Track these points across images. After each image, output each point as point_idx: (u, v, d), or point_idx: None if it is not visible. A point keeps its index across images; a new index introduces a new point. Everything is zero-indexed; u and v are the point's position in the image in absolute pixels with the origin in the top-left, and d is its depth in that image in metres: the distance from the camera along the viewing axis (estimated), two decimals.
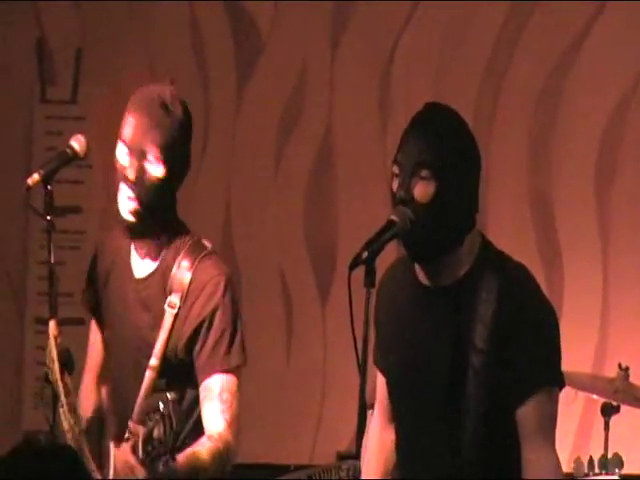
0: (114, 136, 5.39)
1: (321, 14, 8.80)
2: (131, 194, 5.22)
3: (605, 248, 8.55)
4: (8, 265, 8.31)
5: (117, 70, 8.41)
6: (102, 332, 5.64)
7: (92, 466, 5.26)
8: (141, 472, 4.92)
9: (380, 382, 5.10)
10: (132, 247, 5.46)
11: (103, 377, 5.70)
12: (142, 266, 5.44)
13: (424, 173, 4.71)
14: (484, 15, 8.76)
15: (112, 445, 5.25)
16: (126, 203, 5.19)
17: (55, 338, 5.33)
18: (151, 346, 5.30)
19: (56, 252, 5.36)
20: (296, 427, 7.68)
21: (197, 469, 5.14)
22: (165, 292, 5.33)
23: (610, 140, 8.65)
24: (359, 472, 4.69)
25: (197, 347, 5.26)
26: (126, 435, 5.24)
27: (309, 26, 8.88)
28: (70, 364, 5.30)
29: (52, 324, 5.29)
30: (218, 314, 5.28)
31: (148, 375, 5.25)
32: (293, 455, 7.38)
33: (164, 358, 5.27)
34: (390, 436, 5.09)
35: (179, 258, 5.37)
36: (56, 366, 5.31)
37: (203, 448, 5.17)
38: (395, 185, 4.74)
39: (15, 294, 8.33)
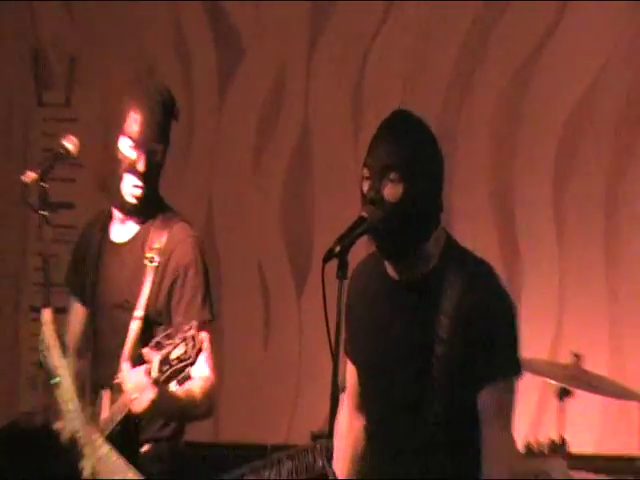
0: (105, 137, 5.88)
1: (300, 15, 8.86)
2: (138, 182, 5.68)
3: (561, 245, 8.67)
4: (6, 257, 8.49)
5: (106, 75, 8.40)
6: (84, 304, 6.12)
7: (96, 436, 5.69)
8: (152, 392, 5.39)
9: (349, 371, 5.40)
10: (113, 221, 5.90)
11: (79, 350, 6.17)
12: (123, 234, 5.90)
13: (393, 175, 4.99)
14: (453, 17, 8.80)
15: (103, 391, 5.72)
16: (131, 189, 5.65)
17: (48, 325, 5.79)
18: (135, 299, 5.75)
19: (50, 245, 5.89)
20: (273, 409, 7.74)
21: (192, 400, 5.63)
22: (143, 249, 5.80)
23: (569, 142, 8.71)
24: (331, 451, 4.82)
25: (174, 302, 5.71)
26: (116, 379, 5.56)
27: (288, 27, 8.93)
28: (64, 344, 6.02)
29: (46, 312, 5.76)
30: (191, 271, 5.78)
31: (135, 325, 5.69)
32: (270, 435, 7.44)
33: (147, 308, 5.71)
34: (358, 422, 5.40)
35: (156, 223, 5.87)
36: (53, 351, 5.79)
37: (196, 386, 5.65)
38: (365, 186, 5.02)
39: (12, 284, 8.47)
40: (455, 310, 5.08)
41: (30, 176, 5.86)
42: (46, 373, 5.91)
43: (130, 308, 5.84)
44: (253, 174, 8.73)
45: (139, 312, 5.80)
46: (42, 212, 5.89)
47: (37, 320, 6.15)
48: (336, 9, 8.82)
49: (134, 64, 8.76)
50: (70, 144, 5.99)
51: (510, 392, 5.03)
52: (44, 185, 5.88)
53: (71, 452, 5.96)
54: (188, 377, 5.62)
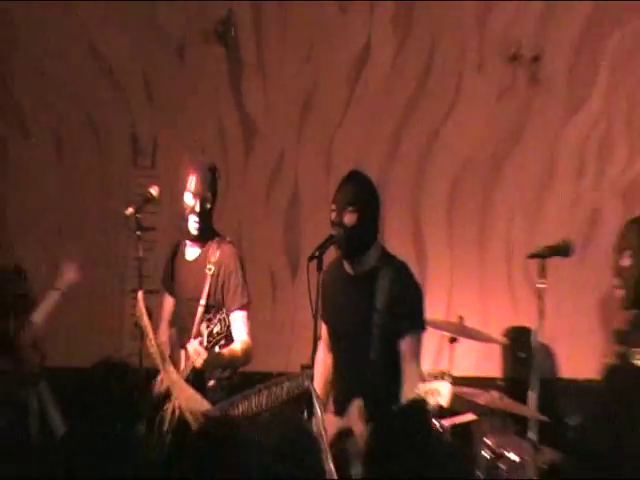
0: (175, 188, 6.93)
1: (291, 116, 9.28)
2: (197, 219, 6.70)
3: (451, 245, 9.40)
4: (117, 260, 8.86)
5: (178, 152, 8.23)
6: (173, 296, 7.10)
7: (171, 368, 6.69)
8: (205, 354, 6.40)
9: (324, 328, 6.43)
10: (186, 246, 6.90)
11: (170, 322, 7.15)
12: (191, 254, 6.91)
13: (350, 209, 6.14)
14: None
15: (182, 350, 6.70)
16: (194, 224, 6.70)
17: (141, 302, 6.85)
18: (199, 295, 6.72)
19: (142, 252, 7.02)
20: (277, 349, 8.09)
21: (234, 356, 6.63)
22: (205, 263, 6.73)
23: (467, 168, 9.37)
24: (312, 376, 6.04)
25: (225, 294, 6.73)
26: (188, 344, 6.54)
27: (284, 124, 9.38)
28: (150, 316, 6.79)
29: (140, 294, 6.89)
30: (233, 275, 6.73)
31: (200, 310, 6.68)
32: (275, 366, 7.80)
33: (207, 300, 6.71)
34: (329, 358, 6.59)
35: (212, 245, 6.80)
36: (145, 318, 6.77)
37: (237, 346, 6.66)
38: (333, 215, 6.16)
39: (119, 276, 8.97)
40: (386, 292, 6.20)
41: (130, 211, 6.99)
42: (139, 330, 6.86)
43: (197, 300, 6.77)
44: (266, 208, 9.24)
45: (202, 302, 6.73)
46: (137, 232, 6.98)
47: (134, 298, 7.14)
48: (312, 105, 9.30)
49: (193, 144, 9.03)
50: (154, 191, 7.12)
51: (418, 340, 6.20)
52: (138, 216, 6.97)
53: (152, 390, 6.87)
54: (226, 343, 6.51)
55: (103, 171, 9.05)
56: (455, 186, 9.27)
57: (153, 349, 6.69)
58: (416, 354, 6.21)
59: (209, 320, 6.39)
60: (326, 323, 6.41)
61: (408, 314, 6.21)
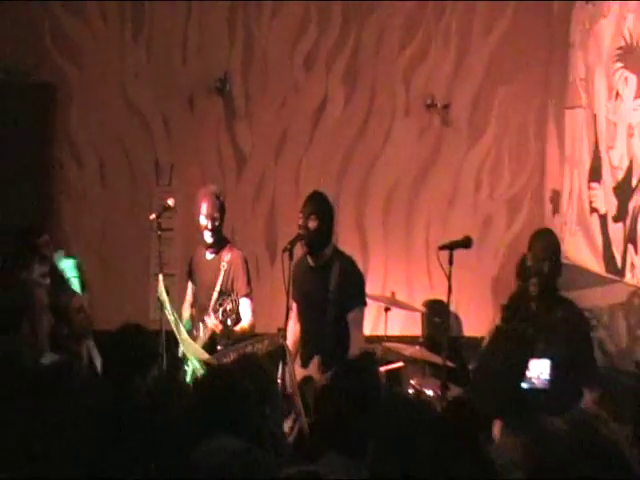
0: (187, 202, 7.37)
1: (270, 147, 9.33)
2: (210, 234, 6.77)
3: (385, 240, 9.36)
4: (142, 252, 8.74)
5: (189, 174, 9.06)
6: (194, 284, 7.05)
7: (182, 330, 6.67)
8: (219, 327, 6.52)
9: (294, 304, 6.52)
10: (206, 252, 6.89)
11: (192, 304, 7.10)
12: (209, 256, 6.88)
13: (313, 217, 6.28)
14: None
15: (201, 324, 6.73)
16: (209, 238, 6.77)
17: (161, 283, 6.83)
18: (215, 283, 6.73)
19: (161, 246, 7.06)
20: (260, 315, 7.32)
21: (243, 332, 6.68)
22: (220, 263, 6.73)
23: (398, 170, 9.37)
24: (286, 336, 6.18)
25: (234, 285, 6.72)
26: (206, 318, 6.61)
27: (267, 157, 9.42)
28: (168, 293, 6.78)
29: (160, 276, 6.86)
30: (241, 271, 6.77)
31: (215, 295, 6.68)
32: (257, 328, 7.16)
33: (221, 288, 6.70)
34: (297, 325, 6.66)
35: (225, 249, 6.83)
36: (164, 294, 6.75)
37: (245, 324, 6.73)
38: (300, 221, 6.31)
39: (145, 263, 8.84)
40: (338, 277, 6.33)
41: (153, 217, 7.05)
42: (160, 303, 6.82)
43: (213, 288, 6.75)
44: (252, 214, 9.20)
45: (217, 289, 6.72)
46: (158, 232, 7.00)
47: (156, 280, 7.05)
48: (286, 140, 9.27)
49: (197, 168, 9.18)
50: (170, 202, 7.15)
51: (362, 313, 6.30)
52: (159, 221, 7.01)
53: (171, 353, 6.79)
54: (236, 321, 6.61)
55: (134, 188, 9.09)
56: (388, 198, 9.35)
57: (170, 317, 6.68)
58: (360, 323, 6.34)
59: (223, 300, 6.55)
60: (295, 300, 6.51)
61: (354, 294, 6.33)
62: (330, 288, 6.24)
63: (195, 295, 7.02)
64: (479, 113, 9.25)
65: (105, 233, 9.01)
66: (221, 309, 6.43)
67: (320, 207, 6.35)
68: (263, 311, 8.01)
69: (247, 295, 6.69)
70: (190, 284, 7.02)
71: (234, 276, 6.70)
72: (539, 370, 3.46)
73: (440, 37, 9.19)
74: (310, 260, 6.35)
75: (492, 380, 2.60)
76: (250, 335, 6.63)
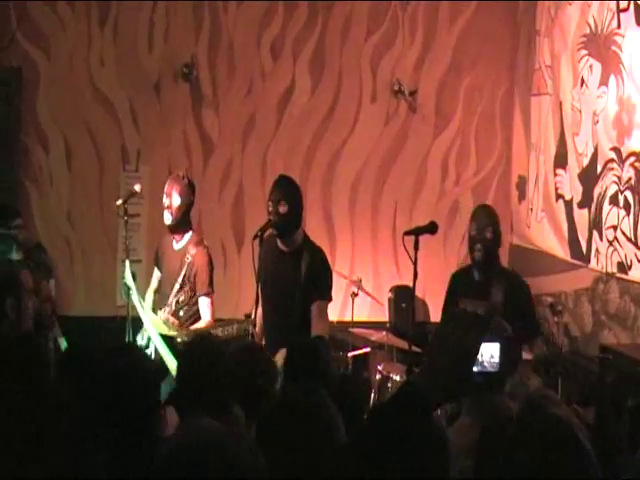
0: (154, 188, 7.33)
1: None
2: (168, 213, 6.59)
3: (352, 227, 9.41)
4: (110, 238, 8.76)
5: (156, 159, 9.02)
6: (160, 272, 6.86)
7: (148, 311, 6.51)
8: (173, 320, 6.47)
9: (261, 289, 6.15)
10: (172, 238, 6.70)
11: (156, 290, 6.93)
12: (176, 244, 6.68)
13: (282, 202, 6.12)
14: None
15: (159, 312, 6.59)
16: (167, 218, 6.58)
17: (127, 269, 6.69)
18: (178, 275, 6.54)
19: (128, 232, 6.95)
20: (227, 301, 7.86)
21: (200, 330, 6.38)
22: (185, 253, 6.56)
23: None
24: (254, 322, 6.15)
25: (196, 281, 6.51)
26: (160, 313, 6.54)
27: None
28: (135, 278, 6.65)
29: (127, 262, 6.74)
30: (204, 267, 6.54)
31: (177, 286, 6.53)
32: (225, 314, 7.34)
33: (183, 280, 6.52)
34: (261, 310, 6.30)
35: (190, 240, 6.63)
36: (130, 279, 6.60)
37: (201, 324, 6.50)
38: (270, 207, 6.11)
39: (112, 249, 8.79)
40: (307, 265, 6.18)
41: (119, 202, 6.97)
42: (126, 288, 6.66)
43: (176, 278, 6.56)
44: (219, 201, 9.20)
45: (179, 279, 6.55)
46: (125, 218, 6.88)
47: (123, 265, 6.90)
48: (253, 126, 9.23)
49: (165, 153, 9.12)
50: (137, 187, 7.06)
51: (325, 306, 6.14)
52: (125, 206, 6.86)
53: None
54: (196, 318, 6.46)
55: (100, 173, 9.04)
56: (355, 185, 9.39)
57: (136, 302, 6.60)
58: (323, 316, 6.20)
59: (178, 292, 6.51)
60: (261, 283, 6.32)
61: (319, 287, 6.21)
62: (301, 274, 6.14)
63: (160, 282, 6.90)
64: (445, 100, 9.31)
65: (72, 219, 8.95)
66: (174, 299, 6.40)
67: (289, 192, 6.24)
68: (231, 297, 8.25)
69: (207, 294, 6.51)
70: (156, 270, 6.92)
71: (197, 272, 6.55)
72: (490, 353, 3.46)
73: (406, 24, 9.25)
74: (281, 244, 6.24)
75: (442, 363, 2.57)
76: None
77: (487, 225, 6.17)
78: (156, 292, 6.94)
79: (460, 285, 6.42)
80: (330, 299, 6.28)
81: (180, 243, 6.68)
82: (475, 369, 2.69)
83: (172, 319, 6.44)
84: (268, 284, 6.31)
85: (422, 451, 2.49)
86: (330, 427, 3.71)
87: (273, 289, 6.33)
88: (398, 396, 2.56)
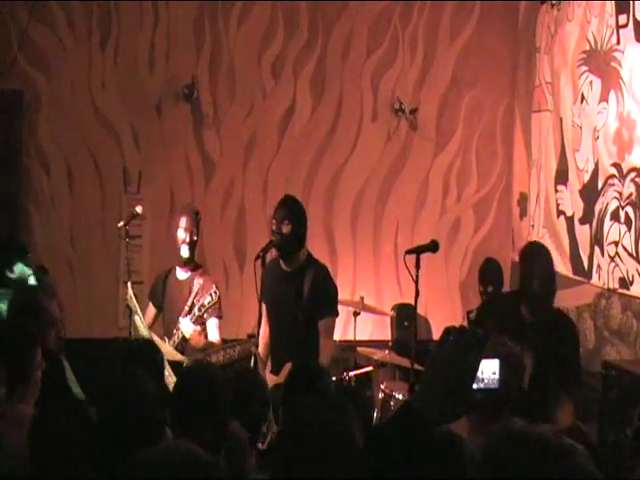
0: (156, 209, 7.46)
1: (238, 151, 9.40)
2: (187, 247, 6.71)
3: (354, 245, 9.38)
4: (112, 259, 8.68)
5: (157, 181, 9.01)
6: (156, 307, 6.91)
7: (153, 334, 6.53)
8: (192, 332, 6.49)
9: (264, 308, 6.42)
10: (177, 268, 6.79)
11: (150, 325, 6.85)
12: (182, 275, 6.81)
13: (286, 222, 6.21)
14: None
15: (176, 329, 6.63)
16: (185, 251, 6.69)
17: (129, 290, 6.76)
18: (187, 300, 6.60)
19: (129, 253, 7.17)
20: (229, 321, 7.41)
21: (211, 343, 6.58)
22: (193, 281, 6.67)
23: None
24: (257, 342, 6.26)
25: (207, 307, 6.55)
26: (181, 319, 6.54)
27: (235, 160, 9.40)
28: (137, 300, 6.70)
29: (129, 284, 6.82)
30: (212, 295, 6.56)
31: (186, 309, 6.57)
32: (227, 334, 7.12)
33: (192, 302, 6.55)
34: (267, 329, 6.56)
35: (197, 273, 6.79)
36: (133, 301, 6.68)
37: (212, 340, 6.61)
38: (274, 226, 6.24)
39: (114, 271, 8.75)
40: (310, 284, 6.25)
41: (120, 224, 7.08)
42: (128, 310, 6.71)
43: (182, 307, 6.62)
44: (221, 220, 9.14)
45: (188, 303, 6.59)
46: (126, 240, 6.99)
47: (125, 287, 7.00)
48: (254, 146, 9.22)
49: (166, 179, 9.13)
50: (139, 209, 7.10)
51: (332, 322, 6.28)
52: (127, 228, 6.97)
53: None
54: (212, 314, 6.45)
55: (102, 195, 9.03)
56: (356, 203, 9.38)
57: (140, 322, 6.63)
58: (330, 332, 6.31)
59: (199, 295, 6.51)
60: (265, 304, 6.44)
61: (326, 302, 6.30)
62: (304, 294, 6.20)
63: (155, 318, 7.02)
64: (446, 117, 9.30)
65: (73, 241, 8.94)
66: (198, 304, 6.40)
67: (293, 211, 6.31)
68: (233, 317, 8.04)
69: (218, 317, 6.63)
70: (150, 306, 6.98)
71: (206, 296, 6.61)
72: (490, 370, 3.44)
73: (407, 42, 9.23)
74: (284, 265, 6.31)
75: (440, 382, 2.57)
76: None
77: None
78: (149, 327, 6.92)
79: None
80: (337, 314, 6.38)
81: (186, 273, 6.81)
82: (475, 386, 2.67)
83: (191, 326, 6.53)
84: (272, 304, 6.41)
85: (424, 470, 2.50)
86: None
87: (277, 309, 6.42)
88: (396, 417, 2.55)
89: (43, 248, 8.76)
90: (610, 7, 7.29)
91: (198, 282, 6.63)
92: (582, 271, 7.68)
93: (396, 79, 9.28)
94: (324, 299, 6.27)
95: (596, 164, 7.43)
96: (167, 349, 6.49)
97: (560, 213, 8.18)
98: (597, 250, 7.43)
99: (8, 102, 8.59)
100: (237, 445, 4.11)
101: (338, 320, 6.69)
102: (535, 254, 5.81)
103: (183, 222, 6.70)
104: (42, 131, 8.85)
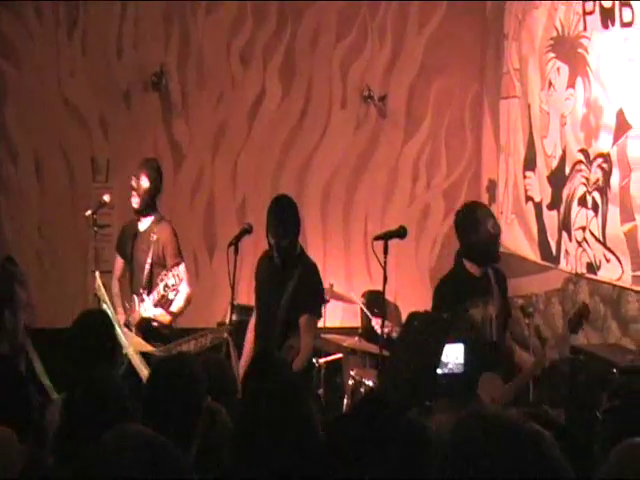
0: (124, 198, 7.02)
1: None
2: (136, 198, 6.73)
3: (324, 232, 9.37)
4: (80, 249, 8.63)
5: (126, 170, 8.48)
6: (123, 258, 6.93)
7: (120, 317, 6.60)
8: (153, 313, 6.51)
9: (255, 302, 6.44)
10: (138, 221, 6.80)
11: (120, 278, 7.01)
12: (142, 226, 6.80)
13: (284, 240, 6.21)
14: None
15: (135, 297, 6.65)
16: (134, 203, 6.72)
17: (98, 279, 6.78)
18: (147, 255, 6.63)
19: (98, 242, 7.13)
20: (199, 310, 7.51)
21: (180, 311, 6.64)
22: (150, 233, 6.70)
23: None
24: (231, 330, 6.20)
25: (166, 255, 6.63)
26: (141, 304, 6.54)
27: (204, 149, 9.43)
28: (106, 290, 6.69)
29: (97, 273, 6.86)
30: (170, 242, 6.67)
31: (147, 267, 6.63)
32: (197, 322, 7.43)
33: (152, 260, 6.60)
34: (252, 336, 6.51)
35: (154, 220, 6.77)
36: (102, 290, 6.70)
37: (182, 296, 6.60)
38: (270, 240, 6.31)
39: (83, 260, 8.71)
40: (299, 279, 6.26)
41: (88, 213, 7.08)
42: (97, 299, 6.74)
43: (145, 259, 6.68)
44: (190, 209, 9.18)
45: (149, 260, 6.65)
46: (95, 229, 7.01)
47: (94, 277, 6.97)
48: (223, 134, 9.23)
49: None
50: (106, 198, 7.15)
51: (315, 322, 6.30)
52: (95, 216, 7.01)
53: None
54: (176, 292, 6.38)
55: (71, 184, 9.02)
56: (326, 191, 9.41)
57: (109, 313, 6.44)
58: (312, 330, 6.33)
59: (164, 275, 6.39)
60: (258, 298, 6.52)
61: (309, 301, 6.34)
62: (289, 287, 6.26)
63: (124, 269, 7.01)
64: (415, 104, 9.34)
65: (42, 230, 8.93)
66: (162, 284, 6.29)
67: (288, 223, 6.35)
68: (203, 306, 8.05)
69: (178, 264, 6.46)
70: (118, 258, 7.01)
71: (163, 247, 6.66)
72: (454, 354, 3.47)
73: (375, 30, 9.32)
74: (277, 260, 6.37)
75: (405, 368, 2.59)
76: (185, 307, 6.69)
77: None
78: (119, 279, 7.03)
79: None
80: (320, 315, 6.42)
81: (144, 224, 6.81)
82: (440, 371, 2.67)
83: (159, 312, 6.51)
84: (262, 294, 6.47)
85: (389, 454, 2.53)
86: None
87: (265, 298, 6.45)
88: (360, 405, 2.58)
89: (12, 238, 8.82)
90: None
91: (155, 230, 6.69)
92: (550, 256, 7.70)
93: (365, 67, 9.30)
94: (310, 297, 6.30)
95: (564, 150, 7.44)
96: (136, 340, 6.51)
97: (528, 199, 8.22)
98: (565, 235, 7.44)
99: None
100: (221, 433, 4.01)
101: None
102: (473, 210, 6.02)
103: (137, 172, 6.77)
104: (10, 121, 8.85)
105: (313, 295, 6.34)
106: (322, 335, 7.91)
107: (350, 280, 9.18)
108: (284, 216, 6.26)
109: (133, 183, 6.69)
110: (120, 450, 2.47)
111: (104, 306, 6.59)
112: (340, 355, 7.78)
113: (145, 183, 6.70)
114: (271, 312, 6.29)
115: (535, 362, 5.84)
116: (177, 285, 6.33)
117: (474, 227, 5.89)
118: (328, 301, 8.02)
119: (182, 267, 6.43)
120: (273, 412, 3.13)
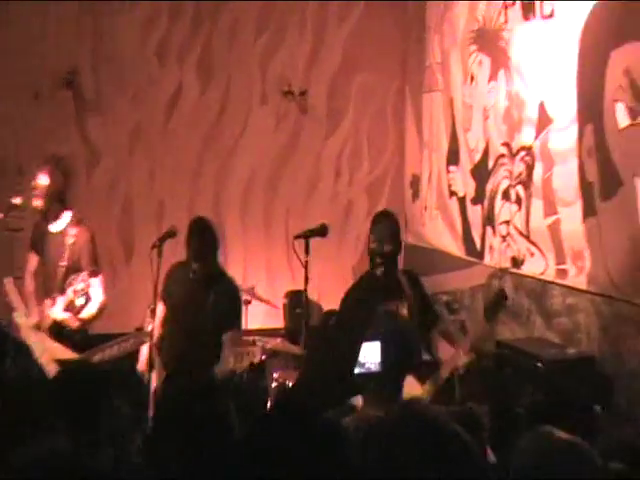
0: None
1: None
2: (39, 196, 6.36)
3: (244, 233, 9.22)
4: None
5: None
6: (39, 255, 6.57)
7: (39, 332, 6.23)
8: (63, 317, 6.18)
9: (161, 308, 6.28)
10: (51, 221, 6.40)
11: (35, 275, 6.64)
12: (54, 226, 6.43)
13: (201, 261, 6.06)
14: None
15: (48, 300, 6.28)
16: (38, 202, 6.35)
17: (11, 284, 6.37)
18: (62, 259, 6.30)
19: (11, 247, 6.89)
20: (116, 314, 7.10)
21: (92, 318, 6.33)
22: (65, 237, 6.33)
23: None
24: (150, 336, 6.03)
25: (81, 262, 6.30)
26: (51, 309, 6.21)
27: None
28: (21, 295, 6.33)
29: (10, 279, 6.43)
30: (86, 247, 6.35)
31: (62, 271, 6.27)
32: (114, 328, 6.89)
33: (67, 264, 6.28)
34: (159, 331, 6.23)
35: (71, 223, 6.41)
36: (14, 297, 6.32)
37: (92, 310, 6.30)
38: (192, 264, 6.08)
39: None
40: (214, 295, 6.09)
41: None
42: (9, 306, 6.33)
43: (58, 262, 6.32)
44: (105, 210, 8.84)
45: (63, 263, 6.30)
46: (5, 232, 6.80)
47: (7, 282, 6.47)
48: (139, 132, 9.07)
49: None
50: (18, 200, 6.72)
51: (236, 338, 6.19)
52: (7, 220, 6.71)
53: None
54: (89, 299, 6.19)
55: None
56: (246, 189, 9.31)
57: (22, 320, 6.33)
58: (235, 342, 6.30)
59: (73, 279, 6.17)
60: (165, 303, 6.37)
61: (231, 317, 6.25)
62: (207, 302, 6.15)
63: (38, 269, 6.71)
64: (337, 99, 9.35)
65: None
66: (71, 288, 6.09)
67: (205, 245, 6.23)
68: (121, 310, 7.83)
69: (93, 273, 6.29)
70: (32, 254, 6.70)
71: (80, 253, 6.39)
72: (371, 353, 3.35)
73: (295, 24, 9.30)
74: (193, 271, 6.20)
75: (320, 368, 2.50)
76: (97, 315, 6.44)
77: (384, 239, 5.72)
78: (34, 277, 6.75)
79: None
80: (240, 330, 6.40)
81: (58, 224, 6.50)
82: (357, 371, 2.59)
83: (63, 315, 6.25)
84: (177, 308, 6.31)
85: (304, 454, 2.54)
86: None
87: (182, 314, 6.30)
88: (275, 407, 2.49)
89: None
90: None
91: (71, 232, 6.40)
92: (475, 252, 7.70)
93: (285, 61, 9.26)
94: (231, 313, 6.23)
95: (487, 144, 7.44)
96: (57, 347, 6.29)
97: (452, 194, 8.20)
98: (489, 230, 7.43)
99: None
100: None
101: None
102: (382, 218, 5.83)
103: (35, 171, 6.48)
104: None
105: (235, 311, 6.29)
106: (244, 337, 7.63)
107: (272, 280, 9.12)
108: (201, 240, 6.16)
109: (32, 183, 6.41)
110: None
111: (14, 314, 6.38)
112: (263, 357, 7.61)
113: (44, 181, 6.38)
114: (191, 329, 6.20)
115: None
116: (86, 290, 6.12)
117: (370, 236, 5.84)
118: (250, 302, 7.94)
119: (97, 280, 6.36)
120: (188, 410, 3.13)
